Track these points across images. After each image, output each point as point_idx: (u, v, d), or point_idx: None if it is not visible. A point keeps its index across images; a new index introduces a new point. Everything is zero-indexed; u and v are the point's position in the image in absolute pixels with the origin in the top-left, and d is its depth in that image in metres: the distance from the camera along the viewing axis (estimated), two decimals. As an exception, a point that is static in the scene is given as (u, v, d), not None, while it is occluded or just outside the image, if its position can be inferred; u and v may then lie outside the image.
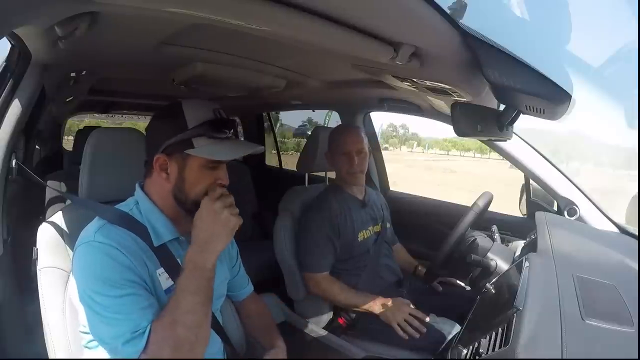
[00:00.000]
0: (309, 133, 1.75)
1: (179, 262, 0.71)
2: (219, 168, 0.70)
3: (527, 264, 0.79)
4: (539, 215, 1.12)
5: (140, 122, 3.76)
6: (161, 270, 0.69)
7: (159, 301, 0.67)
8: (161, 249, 0.69)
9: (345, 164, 1.28)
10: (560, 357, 0.50)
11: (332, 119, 2.66)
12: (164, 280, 0.69)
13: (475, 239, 1.19)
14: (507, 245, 1.28)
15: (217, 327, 0.78)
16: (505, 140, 1.10)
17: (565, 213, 1.24)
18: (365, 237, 1.29)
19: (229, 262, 0.86)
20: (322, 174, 1.57)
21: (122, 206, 0.72)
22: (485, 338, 0.62)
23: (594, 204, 1.23)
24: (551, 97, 0.76)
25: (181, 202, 0.70)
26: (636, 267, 0.82)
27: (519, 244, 1.23)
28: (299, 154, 1.57)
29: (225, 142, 0.69)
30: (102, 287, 0.60)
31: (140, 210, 0.71)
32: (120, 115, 3.64)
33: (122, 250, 0.63)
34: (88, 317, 0.62)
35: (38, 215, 1.55)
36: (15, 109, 0.89)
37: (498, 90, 0.82)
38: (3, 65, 0.94)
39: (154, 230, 0.70)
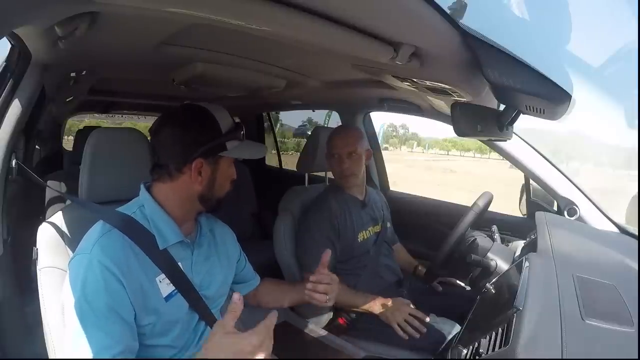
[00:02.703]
0: (309, 133, 1.75)
1: (181, 266, 0.71)
2: (232, 166, 0.77)
3: (527, 264, 0.79)
4: (539, 215, 1.12)
5: (140, 122, 3.75)
6: (162, 276, 0.69)
7: (157, 309, 0.67)
8: (162, 254, 0.69)
9: (335, 166, 1.28)
10: (560, 357, 0.50)
11: (332, 119, 2.66)
12: (165, 286, 0.69)
13: (475, 239, 1.19)
14: (507, 245, 1.28)
15: None
16: (505, 140, 1.10)
17: (565, 213, 1.24)
18: (365, 237, 1.29)
19: (227, 262, 0.86)
20: (322, 174, 1.57)
21: (125, 208, 0.72)
22: (485, 338, 0.62)
23: (594, 204, 1.23)
24: (551, 97, 0.76)
25: (207, 201, 0.74)
26: (636, 267, 0.82)
27: (519, 244, 1.23)
28: (299, 154, 1.57)
29: (245, 142, 0.77)
30: (86, 307, 0.60)
31: (145, 214, 0.71)
32: (120, 115, 3.63)
33: (117, 272, 0.62)
34: (67, 327, 0.62)
35: (38, 215, 1.55)
36: (15, 109, 0.89)
37: (498, 90, 0.82)
38: (3, 65, 0.94)
39: (160, 234, 0.70)
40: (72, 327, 0.60)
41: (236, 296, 0.57)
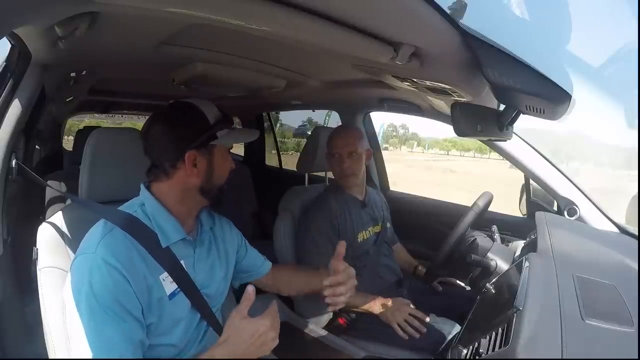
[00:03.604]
0: (309, 133, 1.75)
1: (183, 264, 0.72)
2: (228, 155, 0.78)
3: (527, 264, 0.79)
4: (539, 215, 1.12)
5: (140, 122, 3.75)
6: (165, 274, 0.69)
7: (162, 308, 0.67)
8: (165, 252, 0.69)
9: (335, 166, 1.28)
10: (560, 357, 0.50)
11: (332, 119, 2.66)
12: (168, 284, 0.69)
13: (475, 239, 1.19)
14: (507, 245, 1.28)
15: (216, 326, 0.78)
16: (505, 140, 1.10)
17: (565, 213, 1.24)
18: (365, 237, 1.29)
19: (226, 258, 0.85)
20: (322, 174, 1.57)
21: (126, 207, 0.72)
22: (485, 338, 0.62)
23: (594, 204, 1.23)
24: (551, 97, 0.76)
25: (208, 192, 0.75)
26: (636, 267, 0.82)
27: (519, 244, 1.23)
28: (299, 154, 1.57)
29: (236, 129, 0.79)
30: (96, 305, 0.60)
31: (147, 212, 0.71)
32: (120, 115, 3.64)
33: (122, 270, 0.62)
34: (75, 328, 0.62)
35: (38, 215, 1.55)
36: (15, 109, 0.89)
37: (498, 90, 0.82)
38: (3, 65, 0.94)
39: (162, 231, 0.70)
40: (82, 327, 0.60)
41: (250, 288, 0.67)
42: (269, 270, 0.96)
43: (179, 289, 0.70)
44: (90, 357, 0.59)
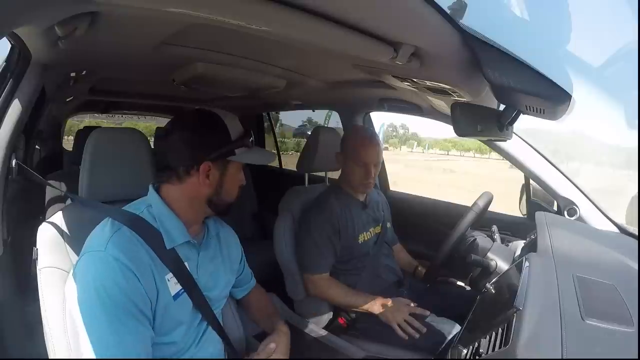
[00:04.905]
0: (309, 133, 1.75)
1: (187, 266, 0.72)
2: (241, 172, 0.78)
3: (527, 264, 0.79)
4: (539, 215, 1.11)
5: (140, 122, 3.77)
6: (170, 275, 0.69)
7: (166, 307, 0.68)
8: (170, 253, 0.70)
9: (360, 175, 1.25)
10: (560, 357, 0.50)
11: (332, 119, 2.66)
12: (173, 285, 0.69)
13: (475, 239, 1.19)
14: (507, 245, 1.27)
15: (217, 327, 0.79)
16: (505, 140, 1.10)
17: (565, 213, 1.24)
18: (366, 238, 1.29)
19: (230, 265, 0.87)
20: (322, 174, 1.57)
21: (131, 207, 0.72)
22: (485, 338, 0.62)
23: (594, 204, 1.23)
24: (551, 97, 0.76)
25: (215, 205, 0.75)
26: (636, 267, 0.82)
27: (519, 244, 1.23)
28: (299, 154, 1.57)
29: (253, 149, 0.79)
30: (109, 304, 0.60)
31: (153, 213, 0.71)
32: (120, 115, 3.64)
33: (133, 268, 0.63)
34: (86, 327, 0.61)
35: (38, 215, 1.55)
36: (15, 109, 0.89)
37: (498, 90, 0.82)
38: (3, 65, 0.94)
39: (168, 234, 0.70)
40: (91, 326, 0.60)
41: (272, 345, 0.78)
42: (251, 289, 0.97)
43: (182, 290, 0.71)
44: (100, 355, 0.59)
